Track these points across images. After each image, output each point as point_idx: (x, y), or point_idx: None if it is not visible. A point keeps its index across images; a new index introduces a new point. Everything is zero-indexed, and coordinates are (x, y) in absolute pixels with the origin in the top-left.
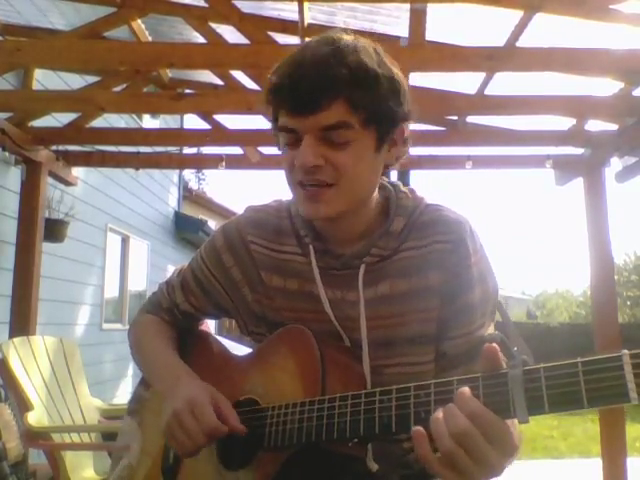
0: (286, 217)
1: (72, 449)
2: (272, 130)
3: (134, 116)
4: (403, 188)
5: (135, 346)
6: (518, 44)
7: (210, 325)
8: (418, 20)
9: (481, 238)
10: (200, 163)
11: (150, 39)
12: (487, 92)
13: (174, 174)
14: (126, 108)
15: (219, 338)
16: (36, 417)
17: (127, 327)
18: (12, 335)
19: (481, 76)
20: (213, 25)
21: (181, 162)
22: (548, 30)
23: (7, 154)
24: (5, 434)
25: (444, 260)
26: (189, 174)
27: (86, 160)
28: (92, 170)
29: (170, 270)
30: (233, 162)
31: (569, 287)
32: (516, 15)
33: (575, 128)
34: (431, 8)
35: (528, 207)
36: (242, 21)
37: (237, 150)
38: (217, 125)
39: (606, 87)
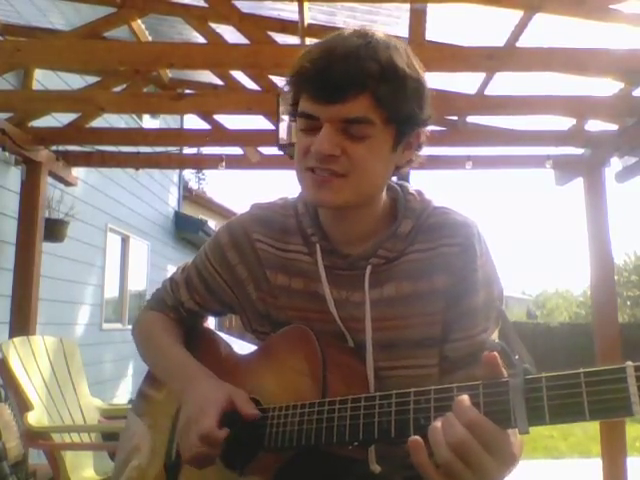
0: (292, 215)
1: (72, 449)
2: (287, 113)
3: (134, 116)
4: (411, 189)
5: (142, 343)
6: (518, 44)
7: (210, 324)
8: (418, 20)
9: (488, 242)
10: (200, 163)
11: (150, 39)
12: (487, 92)
13: (174, 174)
14: (126, 108)
15: (222, 335)
16: (36, 417)
17: (127, 327)
18: (12, 335)
19: (481, 76)
20: (213, 25)
21: (181, 162)
22: (548, 30)
23: (7, 154)
24: (5, 434)
25: (451, 263)
26: (189, 174)
27: (86, 160)
28: (92, 170)
29: (170, 270)
30: (233, 162)
31: (569, 287)
32: (516, 15)
33: (575, 128)
34: (431, 8)
35: (528, 207)
36: (242, 21)
37: (237, 150)
38: (217, 125)
39: (606, 87)
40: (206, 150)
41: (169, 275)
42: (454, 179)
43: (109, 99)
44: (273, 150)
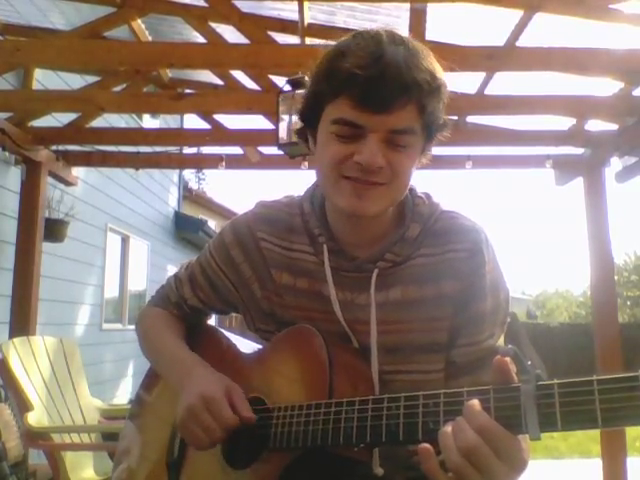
0: (298, 214)
1: (72, 449)
2: (299, 113)
3: (134, 116)
4: (419, 192)
5: (144, 338)
6: (518, 44)
7: (209, 321)
8: (418, 20)
9: (495, 247)
10: (200, 163)
11: (150, 39)
12: (487, 92)
13: (174, 174)
14: (126, 108)
15: (226, 333)
16: (36, 417)
17: (127, 327)
18: (12, 335)
19: (481, 76)
20: (213, 25)
21: (181, 162)
22: (548, 30)
23: (7, 154)
24: (5, 434)
25: (459, 269)
26: (189, 174)
27: (86, 160)
28: (92, 170)
29: (170, 270)
30: (233, 162)
31: (569, 287)
32: (516, 15)
33: (575, 128)
34: (431, 8)
35: (528, 207)
36: (242, 21)
37: (237, 150)
38: (217, 125)
39: (606, 87)
40: (206, 150)
41: (170, 274)
42: (454, 179)
43: (109, 99)
44: (273, 150)
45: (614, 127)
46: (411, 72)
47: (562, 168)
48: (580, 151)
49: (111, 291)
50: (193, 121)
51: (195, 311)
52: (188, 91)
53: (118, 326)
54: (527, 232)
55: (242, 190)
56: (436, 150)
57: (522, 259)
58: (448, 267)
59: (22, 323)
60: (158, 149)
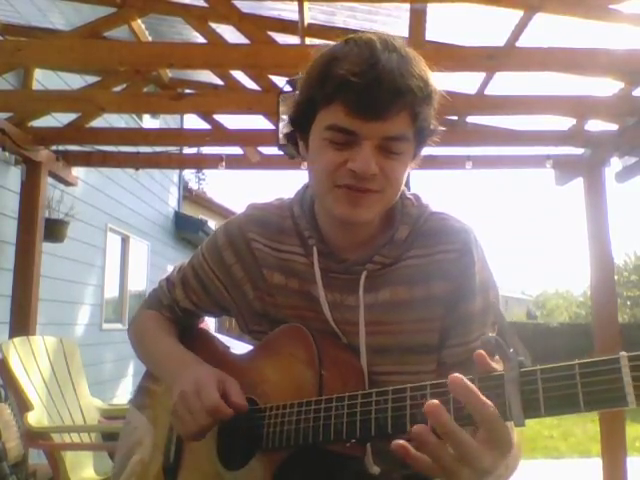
0: (288, 217)
1: (72, 449)
2: (290, 114)
3: (134, 116)
4: (408, 194)
5: (137, 341)
6: (518, 44)
7: (210, 323)
8: (418, 20)
9: (484, 247)
10: (200, 163)
11: (150, 39)
12: (487, 92)
13: (174, 174)
14: (126, 108)
15: (218, 336)
16: (36, 417)
17: (127, 327)
18: (12, 335)
19: (481, 76)
20: (213, 25)
21: (181, 162)
22: (548, 30)
23: (7, 154)
24: (5, 434)
25: (448, 270)
26: (189, 174)
27: (86, 160)
28: (92, 170)
29: (170, 270)
30: (233, 162)
31: (569, 287)
32: (516, 15)
33: (575, 128)
34: (431, 8)
35: (528, 207)
36: (242, 21)
37: (237, 150)
38: (217, 125)
39: (606, 87)
40: (206, 150)
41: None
42: (454, 179)
43: (109, 99)
44: (273, 150)
45: (614, 127)
46: (405, 79)
47: (562, 168)
48: (580, 151)
49: (111, 291)
50: (193, 121)
51: (187, 314)
52: (188, 91)
53: (118, 326)
54: (527, 232)
55: (242, 190)
56: (436, 150)
57: (522, 259)
58: (438, 268)
59: (22, 323)
60: (158, 149)
